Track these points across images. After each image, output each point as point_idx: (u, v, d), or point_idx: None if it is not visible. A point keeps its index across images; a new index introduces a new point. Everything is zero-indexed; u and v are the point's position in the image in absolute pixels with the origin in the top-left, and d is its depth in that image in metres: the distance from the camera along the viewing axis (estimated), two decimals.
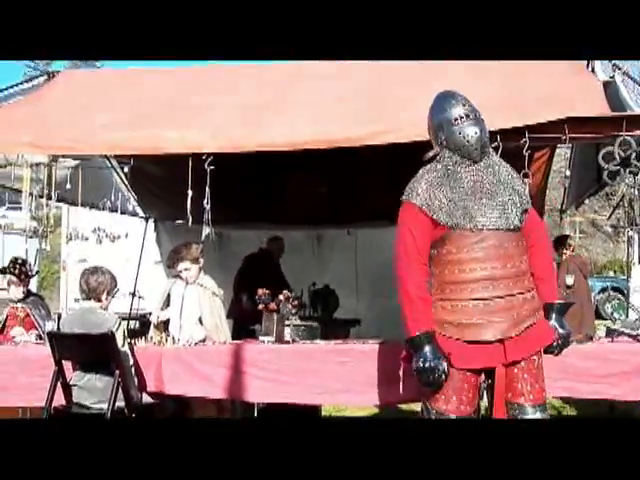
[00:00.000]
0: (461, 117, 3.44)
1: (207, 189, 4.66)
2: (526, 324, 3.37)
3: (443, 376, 3.25)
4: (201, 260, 5.40)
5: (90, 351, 4.62)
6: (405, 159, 4.80)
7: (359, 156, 5.10)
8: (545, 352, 3.50)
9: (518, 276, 3.39)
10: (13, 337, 5.61)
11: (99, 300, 4.89)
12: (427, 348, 3.27)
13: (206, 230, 4.72)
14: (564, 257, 7.72)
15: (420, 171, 3.51)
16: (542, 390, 3.42)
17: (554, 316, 3.52)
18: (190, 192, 4.71)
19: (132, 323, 7.75)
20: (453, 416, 3.32)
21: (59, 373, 4.61)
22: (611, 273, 21.09)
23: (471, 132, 3.42)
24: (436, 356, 3.25)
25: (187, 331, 5.20)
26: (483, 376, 3.43)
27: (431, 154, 3.53)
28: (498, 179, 3.44)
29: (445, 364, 3.25)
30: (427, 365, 3.24)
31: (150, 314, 5.75)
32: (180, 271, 5.38)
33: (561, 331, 3.51)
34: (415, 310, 3.33)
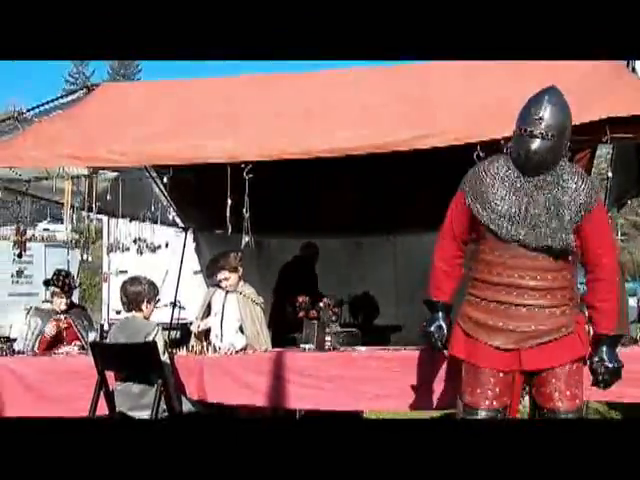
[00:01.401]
0: (526, 130, 3.31)
1: (246, 197, 4.69)
2: (546, 338, 3.36)
3: (438, 343, 3.63)
4: (240, 269, 5.43)
5: (132, 361, 4.68)
6: (444, 163, 4.81)
7: (398, 161, 5.08)
8: (592, 385, 3.45)
9: (549, 290, 3.37)
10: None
11: (140, 309, 4.96)
12: (436, 315, 3.64)
13: (245, 239, 4.74)
14: None
15: (484, 162, 3.54)
16: (575, 397, 3.36)
17: (604, 349, 3.41)
18: (229, 201, 4.74)
19: (173, 333, 7.83)
20: (481, 412, 3.38)
21: (102, 383, 4.66)
22: None
23: (529, 148, 3.31)
24: (438, 325, 3.62)
25: (228, 339, 5.23)
26: (522, 377, 3.43)
27: (509, 145, 3.48)
28: (548, 199, 3.33)
29: (444, 332, 3.60)
30: (428, 329, 3.64)
31: (191, 323, 5.79)
32: (220, 280, 5.42)
33: (609, 365, 3.39)
34: (436, 279, 3.65)
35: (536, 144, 3.29)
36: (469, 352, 3.47)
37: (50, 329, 5.74)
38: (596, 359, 3.40)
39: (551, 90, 3.37)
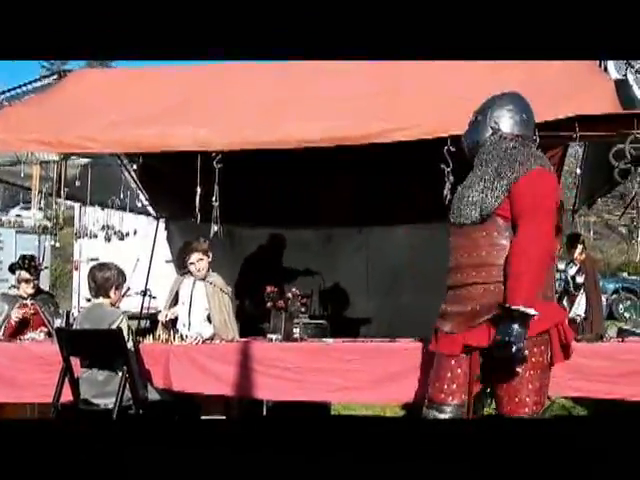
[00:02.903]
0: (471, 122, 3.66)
1: (215, 187, 4.67)
2: (483, 318, 3.28)
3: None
4: (210, 254, 5.41)
5: (97, 347, 4.65)
6: (415, 157, 4.82)
7: (369, 154, 5.08)
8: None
9: (482, 266, 3.31)
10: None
11: (107, 296, 4.92)
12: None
13: (214, 228, 4.72)
14: (576, 256, 7.66)
15: None
16: (523, 405, 3.27)
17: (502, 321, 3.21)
18: (199, 189, 4.72)
19: (143, 322, 7.78)
20: (439, 406, 3.41)
21: (67, 369, 4.63)
22: (625, 274, 20.95)
23: (465, 134, 3.65)
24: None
25: (195, 328, 5.21)
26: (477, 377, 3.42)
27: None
28: (478, 176, 3.43)
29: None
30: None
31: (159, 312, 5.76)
32: (192, 263, 5.38)
33: (497, 337, 3.18)
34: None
35: (469, 127, 3.64)
36: (434, 341, 3.59)
37: (16, 314, 5.68)
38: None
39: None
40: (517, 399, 3.28)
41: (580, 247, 7.79)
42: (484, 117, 3.57)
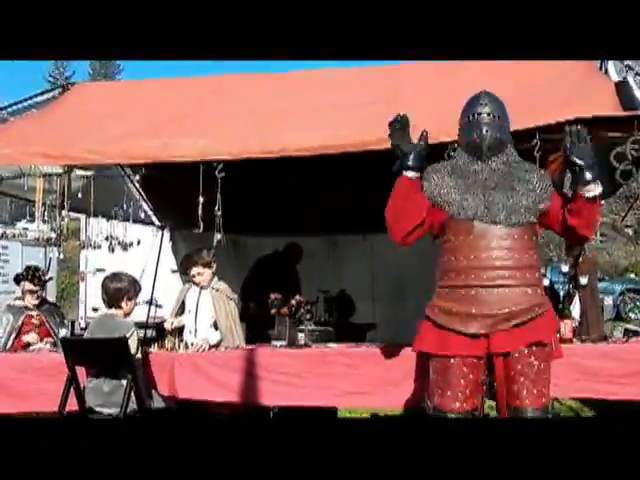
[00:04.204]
0: (476, 115, 3.49)
1: (218, 196, 4.71)
2: (519, 320, 3.33)
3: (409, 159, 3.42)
4: (213, 265, 5.44)
5: (102, 357, 4.67)
6: None
7: (372, 161, 5.10)
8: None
9: (518, 268, 3.35)
10: (27, 342, 5.67)
11: (119, 307, 4.94)
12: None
13: (217, 237, 4.75)
14: (580, 258, 7.66)
15: (432, 165, 3.57)
16: (542, 395, 3.35)
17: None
18: (201, 199, 4.75)
19: (149, 331, 7.81)
20: (451, 415, 3.34)
21: (72, 379, 4.65)
22: (632, 275, 20.92)
23: (481, 127, 3.46)
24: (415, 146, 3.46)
25: (202, 335, 5.24)
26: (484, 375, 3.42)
27: (452, 152, 3.58)
28: (507, 178, 3.42)
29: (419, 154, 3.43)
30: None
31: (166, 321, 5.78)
32: (193, 275, 5.44)
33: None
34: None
35: (487, 122, 3.46)
36: (440, 344, 3.39)
37: (19, 324, 5.72)
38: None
39: (484, 91, 3.60)
40: (535, 391, 3.32)
41: (577, 249, 7.78)
42: (505, 118, 3.53)
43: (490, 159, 3.47)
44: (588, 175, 3.31)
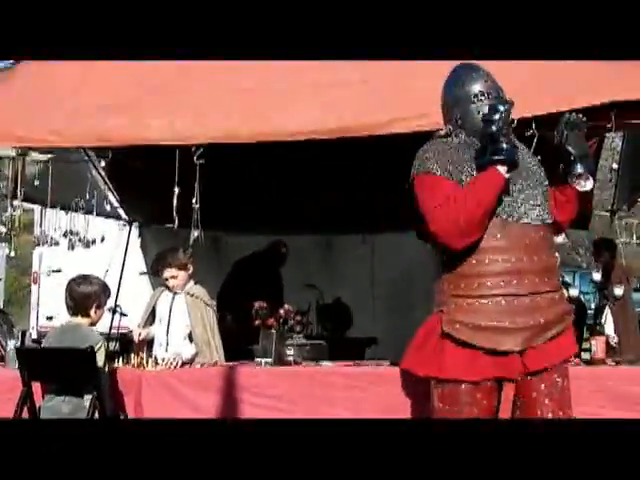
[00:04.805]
0: (481, 94, 3.45)
1: (196, 186, 4.70)
2: (553, 332, 3.33)
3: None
4: (190, 267, 5.43)
5: (65, 370, 4.59)
6: None
7: (374, 148, 5.09)
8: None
9: (546, 271, 3.35)
10: None
11: (87, 315, 4.85)
12: None
13: (194, 233, 4.74)
14: (614, 265, 7.69)
15: (427, 145, 3.50)
16: (569, 414, 3.36)
17: None
18: (177, 189, 4.73)
19: (112, 344, 7.77)
20: None
21: (27, 396, 4.58)
22: None
23: (493, 115, 3.40)
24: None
25: (174, 348, 5.23)
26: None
27: (442, 132, 3.53)
28: (524, 167, 3.44)
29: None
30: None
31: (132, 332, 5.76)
32: (166, 279, 5.43)
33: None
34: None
35: (500, 102, 3.38)
36: (467, 367, 3.29)
37: None
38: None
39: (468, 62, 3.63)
40: (562, 413, 3.33)
41: (607, 254, 7.82)
42: (506, 98, 3.47)
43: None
44: (580, 167, 3.39)
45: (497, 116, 3.23)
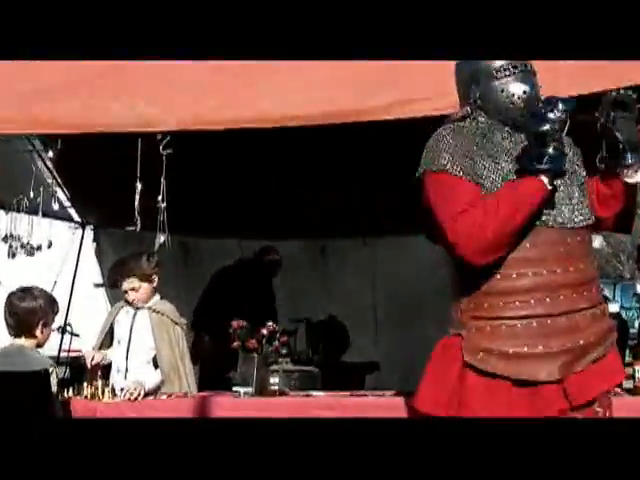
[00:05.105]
0: (505, 68, 3.42)
1: (163, 181, 4.69)
2: (593, 355, 3.30)
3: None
4: (155, 278, 5.42)
5: (11, 398, 4.57)
6: None
7: (376, 137, 5.11)
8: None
9: (583, 284, 3.31)
10: None
11: (32, 335, 4.86)
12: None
13: (160, 237, 4.74)
14: None
15: (439, 133, 3.44)
16: None
17: None
18: (139, 185, 4.74)
19: (61, 370, 7.77)
20: None
21: None
22: None
23: (518, 90, 3.38)
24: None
25: (136, 375, 5.22)
26: None
27: (459, 115, 3.51)
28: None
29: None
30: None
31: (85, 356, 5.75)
32: (125, 291, 5.40)
33: None
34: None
35: (528, 81, 3.42)
36: (492, 405, 3.25)
37: None
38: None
39: None
40: None
41: None
42: (534, 71, 3.49)
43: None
44: (631, 156, 3.32)
45: (554, 115, 3.17)
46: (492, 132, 3.40)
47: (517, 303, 3.26)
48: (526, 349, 3.23)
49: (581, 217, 3.37)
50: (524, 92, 3.38)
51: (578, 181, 3.43)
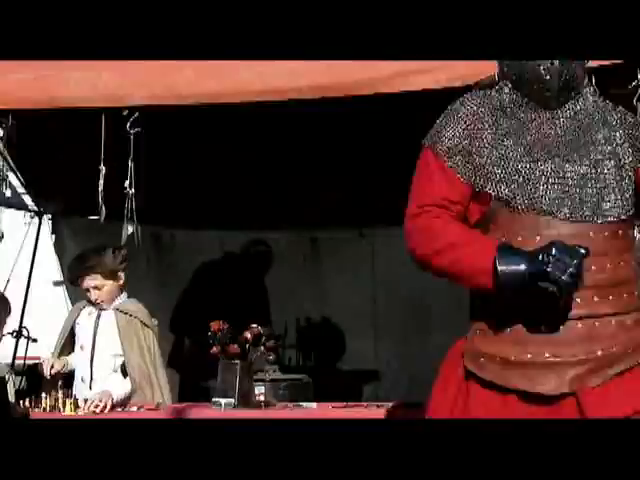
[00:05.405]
0: None
1: (130, 163, 4.71)
2: (619, 368, 3.22)
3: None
4: (121, 275, 5.42)
5: None
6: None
7: (374, 114, 5.12)
8: None
9: (611, 286, 3.24)
10: None
11: None
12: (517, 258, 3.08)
13: (129, 229, 4.76)
14: None
15: (457, 102, 3.38)
16: None
17: None
18: (103, 168, 4.75)
19: (17, 380, 7.80)
20: None
21: None
22: None
23: (548, 63, 3.42)
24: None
25: (102, 384, 5.25)
26: None
27: (486, 81, 3.50)
28: (589, 139, 3.41)
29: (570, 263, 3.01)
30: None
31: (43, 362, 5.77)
32: (87, 290, 5.41)
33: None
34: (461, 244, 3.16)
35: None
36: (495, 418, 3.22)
37: None
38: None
39: None
40: None
41: None
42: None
43: (559, 109, 3.45)
44: None
45: (566, 277, 3.01)
46: (517, 110, 3.41)
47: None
48: (529, 356, 3.18)
49: (611, 210, 3.33)
50: (553, 65, 3.37)
51: (614, 163, 3.31)
